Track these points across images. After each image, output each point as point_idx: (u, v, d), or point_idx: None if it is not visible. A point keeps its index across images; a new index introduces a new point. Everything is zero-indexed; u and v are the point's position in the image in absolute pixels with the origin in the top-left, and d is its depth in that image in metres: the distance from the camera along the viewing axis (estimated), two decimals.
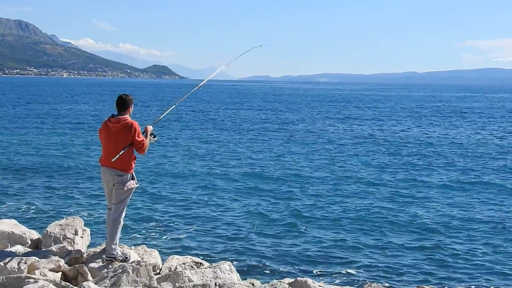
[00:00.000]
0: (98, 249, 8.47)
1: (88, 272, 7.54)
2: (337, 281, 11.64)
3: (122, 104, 7.96)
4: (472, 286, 11.77)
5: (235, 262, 11.31)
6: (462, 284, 11.87)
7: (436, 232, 15.56)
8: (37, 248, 8.72)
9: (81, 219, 9.60)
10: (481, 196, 20.33)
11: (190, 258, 9.01)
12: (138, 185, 8.18)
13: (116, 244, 7.99)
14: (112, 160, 7.76)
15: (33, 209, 17.33)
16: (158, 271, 8.45)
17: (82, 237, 9.07)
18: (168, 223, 16.06)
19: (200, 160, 27.84)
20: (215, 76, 11.09)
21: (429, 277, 12.14)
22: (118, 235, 8.03)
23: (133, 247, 8.97)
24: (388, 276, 12.16)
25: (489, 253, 13.91)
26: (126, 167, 7.88)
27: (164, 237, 14.77)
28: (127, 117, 7.92)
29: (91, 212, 17.03)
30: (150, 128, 8.30)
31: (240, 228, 15.59)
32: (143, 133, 8.09)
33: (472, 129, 48.75)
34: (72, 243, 8.71)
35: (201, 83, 10.23)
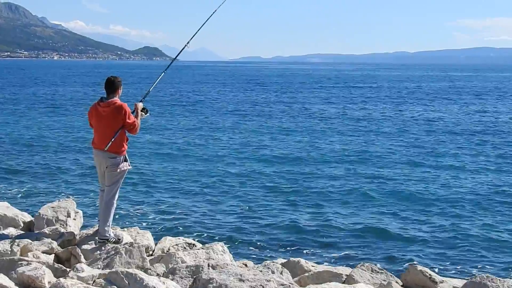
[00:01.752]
0: (91, 231, 8.45)
1: (81, 254, 7.53)
2: (330, 261, 11.70)
3: (111, 86, 7.87)
4: (465, 266, 11.87)
5: (227, 243, 11.34)
6: (455, 264, 11.96)
7: (429, 213, 15.63)
8: (29, 231, 8.70)
9: (74, 201, 9.57)
10: (478, 177, 20.41)
11: (183, 239, 9.02)
12: (131, 167, 8.14)
13: (109, 226, 7.97)
14: (105, 148, 7.72)
15: (25, 191, 17.31)
16: (151, 252, 8.45)
17: (74, 219, 9.05)
18: (161, 204, 16.08)
19: (192, 143, 27.81)
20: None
21: (421, 257, 12.22)
22: (111, 217, 8.01)
23: (125, 229, 8.96)
24: (380, 256, 12.24)
25: (483, 234, 13.99)
26: (119, 149, 7.83)
27: (157, 218, 14.79)
28: (117, 99, 7.84)
29: (83, 194, 17.02)
30: (140, 105, 8.21)
31: (233, 209, 15.63)
32: (133, 112, 8.02)
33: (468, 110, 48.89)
34: (65, 225, 8.69)
35: (178, 53, 10.12)
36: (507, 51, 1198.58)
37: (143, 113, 8.23)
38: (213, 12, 10.21)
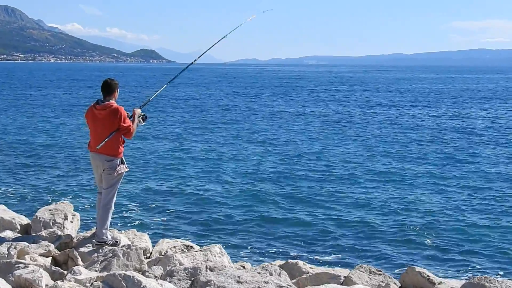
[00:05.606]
0: (88, 233, 8.43)
1: (79, 257, 7.51)
2: (328, 263, 11.69)
3: (108, 88, 7.86)
4: (463, 267, 11.87)
5: (225, 245, 11.32)
6: (453, 265, 11.96)
7: (427, 214, 15.61)
8: (26, 233, 8.67)
9: (71, 204, 9.55)
10: (471, 181, 20.38)
11: (181, 242, 9.01)
12: (128, 170, 8.12)
13: (106, 228, 7.95)
14: (98, 147, 7.70)
15: (22, 194, 17.26)
16: (148, 255, 8.43)
17: (71, 221, 9.02)
18: (158, 207, 16.05)
19: (189, 145, 27.79)
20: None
21: (419, 259, 12.22)
22: (109, 219, 7.99)
23: (123, 231, 8.95)
24: (379, 257, 12.22)
25: (482, 235, 13.98)
26: (115, 152, 7.82)
27: (154, 221, 14.76)
28: (113, 102, 7.83)
29: (80, 196, 16.99)
30: (138, 111, 8.20)
31: (230, 211, 15.61)
32: (130, 117, 8.01)
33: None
34: (62, 228, 8.67)
35: (196, 59, 10.22)
36: (503, 52, 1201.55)
37: (141, 120, 8.22)
38: (214, 44, 10.28)
